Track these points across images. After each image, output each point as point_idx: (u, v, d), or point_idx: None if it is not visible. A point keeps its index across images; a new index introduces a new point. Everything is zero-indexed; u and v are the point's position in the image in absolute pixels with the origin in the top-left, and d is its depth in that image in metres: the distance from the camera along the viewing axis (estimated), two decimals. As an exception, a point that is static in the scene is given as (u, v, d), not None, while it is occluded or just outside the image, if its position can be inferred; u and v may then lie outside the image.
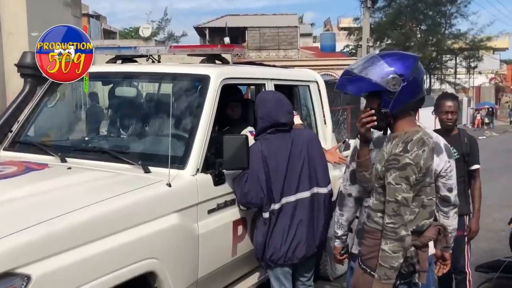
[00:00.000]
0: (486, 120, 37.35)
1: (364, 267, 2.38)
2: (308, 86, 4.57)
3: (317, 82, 4.67)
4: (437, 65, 34.98)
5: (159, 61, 3.99)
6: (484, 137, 26.12)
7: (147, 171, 3.00)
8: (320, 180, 3.28)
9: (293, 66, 11.02)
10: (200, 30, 32.87)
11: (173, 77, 3.48)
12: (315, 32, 45.20)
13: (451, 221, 2.54)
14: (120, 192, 2.63)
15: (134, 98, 3.97)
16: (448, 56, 36.50)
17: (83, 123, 4.55)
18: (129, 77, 3.81)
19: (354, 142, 2.76)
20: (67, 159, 3.27)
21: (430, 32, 33.55)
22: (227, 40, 25.49)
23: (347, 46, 37.44)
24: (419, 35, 33.84)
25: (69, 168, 3.07)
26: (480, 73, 45.09)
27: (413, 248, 2.30)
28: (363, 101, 17.85)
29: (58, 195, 2.63)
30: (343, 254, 2.86)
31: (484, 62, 40.03)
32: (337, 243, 2.84)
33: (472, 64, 38.77)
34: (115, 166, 3.12)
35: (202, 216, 3.02)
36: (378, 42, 31.72)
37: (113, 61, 4.05)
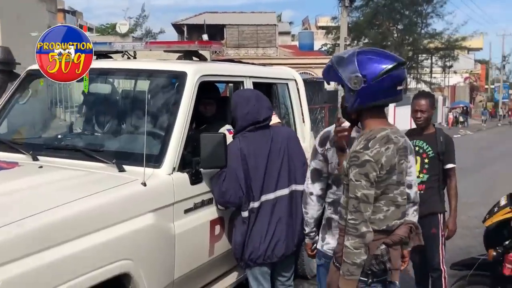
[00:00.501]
0: (461, 119, 38.03)
1: (337, 264, 2.37)
2: (287, 84, 4.54)
3: (295, 80, 4.66)
4: (413, 65, 35.35)
5: (134, 57, 3.90)
6: (459, 135, 26.58)
7: (121, 170, 2.92)
8: (299, 177, 3.26)
9: (271, 64, 11.02)
10: (178, 27, 32.61)
11: (149, 74, 3.41)
12: (293, 30, 45.36)
13: (410, 218, 2.54)
14: (93, 192, 2.56)
15: (109, 95, 3.88)
16: (424, 55, 36.98)
17: (58, 120, 4.44)
18: (104, 74, 3.70)
19: (314, 142, 2.82)
20: (38, 157, 3.17)
21: (407, 32, 33.92)
22: (205, 37, 25.29)
23: (325, 44, 37.56)
24: (395, 35, 34.17)
25: (41, 166, 2.97)
26: (455, 72, 45.85)
27: (383, 246, 2.31)
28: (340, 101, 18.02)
29: (29, 194, 2.54)
30: (314, 249, 2.94)
31: (459, 61, 40.70)
32: (307, 240, 2.95)
33: (448, 64, 39.39)
34: (88, 164, 3.04)
35: (179, 216, 2.96)
36: (355, 41, 31.93)
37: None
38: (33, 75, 3.78)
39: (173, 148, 3.01)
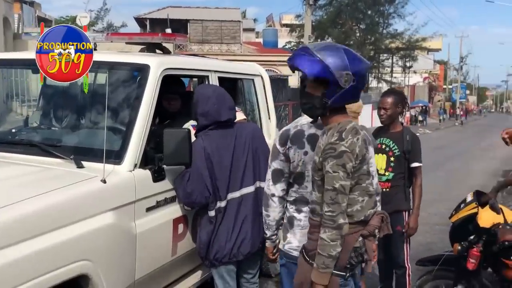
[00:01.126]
0: (420, 118, 38.93)
1: (311, 261, 2.32)
2: (253, 80, 4.47)
3: (261, 76, 4.59)
4: (375, 64, 35.96)
5: (95, 49, 3.73)
6: (418, 134, 27.11)
7: (80, 166, 2.79)
8: (263, 174, 3.19)
9: (236, 61, 10.91)
10: (140, 21, 32.05)
11: (110, 66, 3.25)
12: (257, 28, 45.31)
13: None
14: (49, 189, 2.42)
15: (68, 88, 3.70)
16: (385, 55, 37.67)
17: (13, 114, 4.23)
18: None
19: (274, 141, 2.75)
20: (-11, 152, 3.01)
21: (369, 31, 34.46)
22: (168, 31, 25.00)
23: (289, 42, 37.75)
24: (358, 34, 34.66)
25: (-9, 162, 2.80)
26: (415, 72, 46.98)
27: (361, 238, 2.31)
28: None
29: (-22, 192, 2.38)
30: (275, 253, 2.88)
31: (418, 62, 41.70)
32: (268, 243, 2.86)
33: (408, 64, 40.27)
34: (45, 160, 2.89)
35: (140, 215, 2.85)
36: (318, 40, 32.19)
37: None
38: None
39: (134, 143, 2.90)
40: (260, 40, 37.08)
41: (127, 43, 3.64)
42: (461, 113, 48.93)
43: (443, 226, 6.79)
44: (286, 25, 44.69)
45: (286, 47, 37.37)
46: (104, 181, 2.62)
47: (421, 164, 3.84)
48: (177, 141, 2.90)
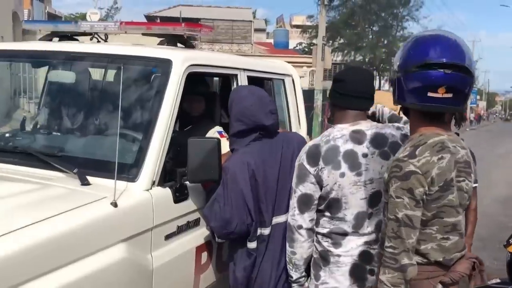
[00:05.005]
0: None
1: None
2: (283, 80, 3.93)
3: (292, 76, 4.05)
4: (387, 67, 35.40)
5: (105, 41, 3.20)
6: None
7: (85, 182, 2.24)
8: None
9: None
10: (151, 19, 31.59)
11: (125, 61, 2.66)
12: (268, 29, 44.91)
13: None
14: (44, 217, 1.86)
15: (74, 86, 3.14)
16: (398, 58, 37.10)
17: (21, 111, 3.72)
18: (68, 59, 2.97)
19: (298, 160, 2.25)
20: (-23, 162, 2.48)
21: (382, 34, 33.91)
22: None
23: (300, 43, 37.23)
24: (371, 36, 34.13)
25: (-25, 177, 2.26)
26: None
27: (440, 286, 1.85)
28: (316, 99, 17.61)
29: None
30: None
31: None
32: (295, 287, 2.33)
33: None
34: (42, 173, 2.37)
35: (158, 244, 2.30)
36: (330, 41, 31.67)
37: (48, 38, 3.24)
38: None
39: (153, 155, 2.35)
40: (271, 40, 36.61)
41: (144, 34, 3.09)
42: (474, 118, 48.47)
43: (481, 242, 6.24)
44: (297, 26, 44.19)
45: (297, 48, 36.89)
46: (115, 205, 2.07)
47: (477, 184, 3.28)
48: (204, 153, 2.36)
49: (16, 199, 2.02)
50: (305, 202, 2.19)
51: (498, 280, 3.41)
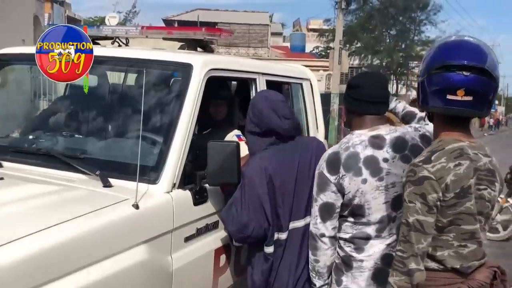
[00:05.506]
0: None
1: None
2: (301, 84, 3.93)
3: (310, 80, 4.05)
4: (404, 71, 35.12)
5: (126, 45, 3.24)
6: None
7: (107, 185, 2.28)
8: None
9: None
10: (169, 23, 31.83)
11: (147, 65, 2.71)
12: (284, 32, 44.91)
13: None
14: (67, 218, 1.90)
15: (95, 90, 3.19)
16: (415, 62, 36.76)
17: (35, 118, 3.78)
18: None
19: (318, 168, 2.23)
20: (2, 163, 2.54)
21: (399, 38, 33.67)
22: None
23: (317, 47, 37.15)
24: (388, 40, 33.91)
25: (1, 178, 2.30)
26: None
27: None
28: (333, 103, 17.56)
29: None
30: None
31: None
32: None
33: (438, 71, 39.20)
34: (65, 175, 2.41)
35: (178, 246, 2.33)
36: (347, 45, 31.57)
37: (70, 42, 3.29)
38: (3, 61, 3.14)
39: (174, 158, 2.38)
40: (287, 44, 36.58)
41: (164, 38, 3.14)
42: (493, 123, 47.91)
43: (492, 248, 6.17)
44: (314, 30, 44.12)
45: (314, 52, 36.82)
46: (137, 206, 2.10)
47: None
48: (224, 157, 2.38)
49: (39, 201, 2.06)
50: (327, 211, 2.19)
51: None
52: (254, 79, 3.18)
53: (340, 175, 2.14)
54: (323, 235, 2.21)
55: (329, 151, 2.26)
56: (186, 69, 2.60)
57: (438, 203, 1.75)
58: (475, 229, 1.81)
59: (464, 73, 1.73)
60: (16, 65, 3.40)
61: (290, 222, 2.48)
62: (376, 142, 2.17)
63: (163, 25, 31.82)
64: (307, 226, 2.44)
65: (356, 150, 2.15)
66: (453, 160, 1.76)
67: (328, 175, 2.17)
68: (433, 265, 1.81)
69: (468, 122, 1.87)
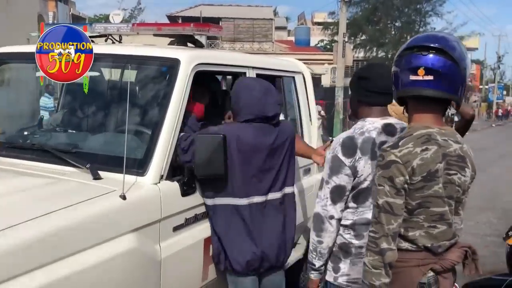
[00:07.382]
0: (456, 118, 37.73)
1: None
2: (293, 77, 3.99)
3: (303, 73, 4.11)
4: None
5: (120, 42, 3.32)
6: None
7: (97, 177, 2.37)
8: (289, 179, 2.88)
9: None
10: (173, 19, 31.91)
11: (134, 61, 2.80)
12: (289, 26, 44.84)
13: None
14: (56, 208, 1.99)
15: (85, 86, 3.28)
16: (421, 54, 36.59)
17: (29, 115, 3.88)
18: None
19: (331, 152, 2.27)
20: (-3, 158, 2.63)
21: (405, 30, 33.49)
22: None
23: (322, 41, 37.10)
24: (393, 32, 33.74)
25: (-5, 172, 2.41)
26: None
27: (431, 274, 1.90)
28: (337, 96, 17.54)
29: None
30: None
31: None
32: (314, 275, 2.34)
33: (444, 63, 38.94)
34: (57, 169, 2.50)
35: (166, 235, 2.41)
36: (352, 38, 31.47)
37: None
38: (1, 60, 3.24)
39: (161, 150, 2.46)
40: (292, 38, 36.59)
41: (155, 35, 3.21)
42: (502, 113, 47.68)
43: (494, 237, 6.19)
44: (319, 23, 44.01)
45: (319, 45, 36.78)
46: (124, 197, 2.19)
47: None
48: (211, 148, 2.46)
49: (31, 192, 2.17)
50: (338, 193, 2.21)
51: None
52: (244, 73, 3.25)
53: (356, 158, 2.18)
54: (332, 217, 2.23)
55: (343, 135, 2.30)
56: (173, 64, 2.68)
57: (406, 185, 1.80)
58: (444, 211, 1.86)
59: (423, 52, 1.81)
60: (13, 64, 3.49)
61: (250, 196, 2.67)
62: (389, 130, 2.23)
63: (167, 21, 31.94)
64: (266, 202, 2.72)
65: (371, 135, 2.21)
66: (420, 145, 1.81)
67: (343, 158, 2.20)
68: (406, 245, 1.87)
69: (440, 107, 1.90)
